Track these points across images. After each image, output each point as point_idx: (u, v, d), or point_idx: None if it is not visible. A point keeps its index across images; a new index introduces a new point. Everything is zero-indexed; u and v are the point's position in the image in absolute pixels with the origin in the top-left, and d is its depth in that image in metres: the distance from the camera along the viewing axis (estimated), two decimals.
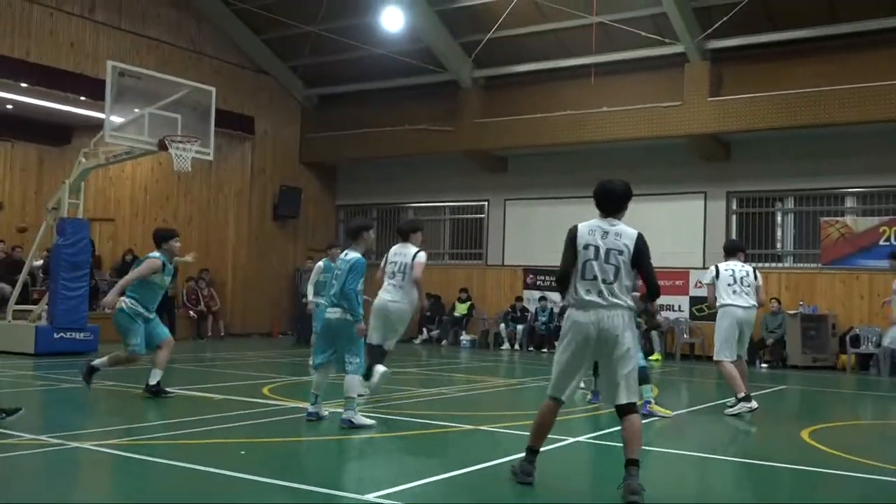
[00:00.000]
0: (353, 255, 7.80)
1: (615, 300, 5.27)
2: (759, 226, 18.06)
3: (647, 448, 7.13)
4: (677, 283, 18.14)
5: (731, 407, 9.32)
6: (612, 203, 5.46)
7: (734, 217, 18.27)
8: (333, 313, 7.70)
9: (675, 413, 9.12)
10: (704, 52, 17.36)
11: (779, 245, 18.07)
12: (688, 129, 17.32)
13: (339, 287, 7.66)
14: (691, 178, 18.34)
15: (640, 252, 5.36)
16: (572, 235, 5.40)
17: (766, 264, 17.85)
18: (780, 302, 16.91)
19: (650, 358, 17.19)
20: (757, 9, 16.20)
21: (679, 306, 18.20)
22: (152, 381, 9.18)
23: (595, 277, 5.28)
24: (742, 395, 9.23)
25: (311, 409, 7.87)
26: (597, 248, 5.31)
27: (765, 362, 16.65)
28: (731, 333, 9.32)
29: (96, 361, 9.40)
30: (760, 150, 17.68)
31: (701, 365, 16.81)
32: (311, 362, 10.09)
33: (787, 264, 17.88)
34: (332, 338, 7.75)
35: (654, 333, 17.41)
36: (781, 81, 16.63)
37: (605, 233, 5.37)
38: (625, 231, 5.40)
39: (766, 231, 18.06)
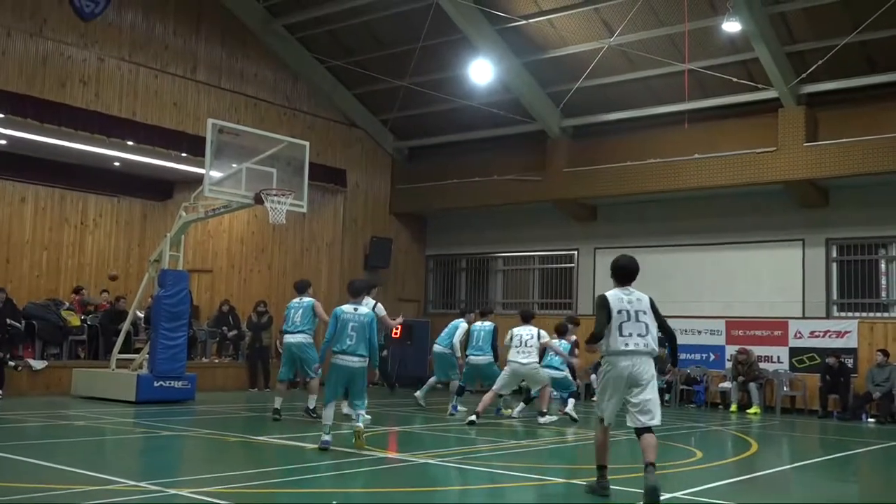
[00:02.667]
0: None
1: (646, 349, 6.85)
2: (861, 274, 17.36)
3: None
4: (776, 333, 17.55)
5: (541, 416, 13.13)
6: (630, 277, 7.10)
7: (834, 265, 17.62)
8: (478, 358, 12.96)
9: (777, 469, 8.80)
10: (799, 96, 16.98)
11: (884, 294, 17.30)
12: (783, 175, 16.90)
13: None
14: (788, 225, 17.82)
15: (656, 310, 7.02)
16: (605, 303, 6.92)
17: (871, 314, 17.12)
18: (887, 354, 16.09)
19: (748, 411, 16.63)
20: (854, 52, 15.81)
21: (778, 357, 17.55)
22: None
23: (631, 334, 6.83)
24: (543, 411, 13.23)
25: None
26: (628, 312, 6.88)
27: (871, 417, 15.87)
28: (512, 380, 13.18)
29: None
30: (860, 196, 17.09)
31: (802, 419, 16.15)
32: (453, 411, 13.88)
33: (893, 314, 17.09)
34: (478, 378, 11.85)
35: (752, 385, 16.83)
36: (880, 125, 16.08)
37: (630, 300, 6.94)
38: (641, 296, 7.02)
39: (870, 279, 17.33)
